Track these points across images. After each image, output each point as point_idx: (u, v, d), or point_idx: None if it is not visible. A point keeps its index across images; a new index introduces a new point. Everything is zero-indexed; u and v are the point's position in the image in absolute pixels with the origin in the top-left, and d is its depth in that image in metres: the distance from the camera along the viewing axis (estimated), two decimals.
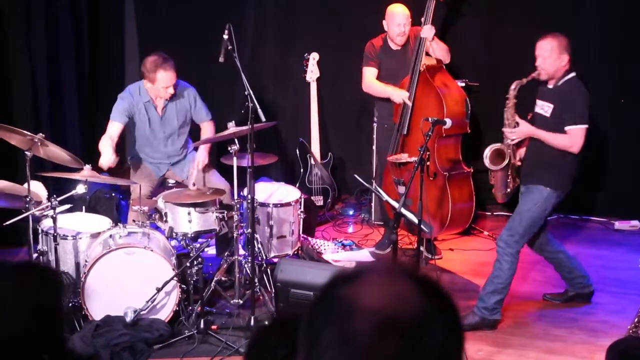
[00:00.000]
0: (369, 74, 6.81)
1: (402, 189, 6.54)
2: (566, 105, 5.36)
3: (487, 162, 5.71)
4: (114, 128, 6.22)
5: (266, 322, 5.34)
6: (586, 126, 5.35)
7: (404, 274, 1.37)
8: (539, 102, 5.53)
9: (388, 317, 1.28)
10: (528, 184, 5.52)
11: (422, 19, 6.59)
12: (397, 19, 6.65)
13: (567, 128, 5.34)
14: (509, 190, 5.76)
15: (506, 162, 5.66)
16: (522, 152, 5.73)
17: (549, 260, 5.90)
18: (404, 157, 6.57)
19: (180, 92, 6.35)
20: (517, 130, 5.53)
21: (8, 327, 2.10)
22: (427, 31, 6.54)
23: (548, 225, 5.79)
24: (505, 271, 5.46)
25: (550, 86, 5.47)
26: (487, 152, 5.70)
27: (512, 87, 5.57)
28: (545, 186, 5.42)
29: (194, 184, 5.82)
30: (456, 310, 1.37)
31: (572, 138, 5.33)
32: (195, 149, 6.51)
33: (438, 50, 6.64)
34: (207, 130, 6.50)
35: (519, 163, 5.72)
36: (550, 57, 5.38)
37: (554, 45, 5.37)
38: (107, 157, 5.96)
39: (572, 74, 5.41)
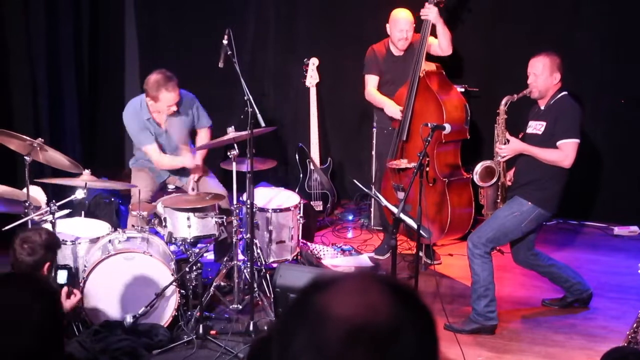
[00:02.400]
0: (371, 83, 6.83)
1: (401, 195, 6.54)
2: (558, 120, 5.36)
3: (476, 178, 5.71)
4: (154, 149, 6.25)
5: (265, 331, 5.34)
6: (578, 140, 5.34)
7: (379, 283, 1.36)
8: (531, 123, 5.54)
9: (359, 326, 1.28)
10: (513, 194, 5.54)
11: (426, 3, 6.52)
12: (400, 24, 6.66)
13: (558, 142, 5.34)
14: (499, 206, 5.73)
15: (496, 178, 5.66)
16: (512, 173, 5.72)
17: (542, 274, 5.90)
18: (403, 163, 6.58)
19: (181, 103, 6.29)
20: (508, 147, 5.53)
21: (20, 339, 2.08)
22: (429, 11, 6.49)
23: (534, 241, 5.75)
24: (480, 274, 5.48)
25: (542, 107, 5.48)
26: (478, 168, 5.70)
27: (503, 102, 5.58)
28: (527, 200, 5.43)
29: (193, 189, 5.82)
30: (431, 321, 1.36)
31: (564, 152, 5.33)
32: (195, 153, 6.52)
33: (443, 37, 6.58)
34: (204, 136, 6.49)
35: (509, 183, 5.72)
36: (542, 75, 5.39)
37: (546, 63, 5.39)
38: (186, 157, 6.24)
39: (564, 93, 5.42)
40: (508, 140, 5.54)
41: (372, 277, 1.41)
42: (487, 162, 5.68)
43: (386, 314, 1.30)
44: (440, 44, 6.62)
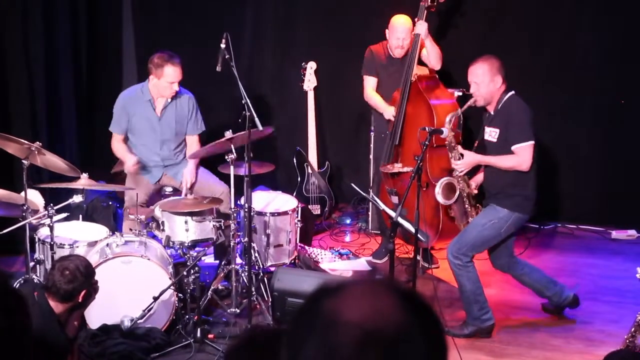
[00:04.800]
0: (370, 85, 6.84)
1: (395, 199, 6.54)
2: (508, 125, 5.34)
3: (439, 197, 5.70)
4: (118, 138, 6.40)
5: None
6: (532, 142, 5.32)
7: (388, 288, 1.37)
8: (486, 129, 5.52)
9: (370, 331, 1.28)
10: (488, 203, 5.55)
11: (416, 19, 6.59)
12: (397, 32, 6.65)
13: (513, 147, 5.33)
14: (470, 219, 5.72)
15: (457, 194, 5.67)
16: (478, 178, 5.72)
17: (517, 280, 5.85)
18: (396, 167, 6.57)
19: (180, 97, 6.36)
20: (463, 161, 5.54)
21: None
22: (420, 27, 6.54)
23: (513, 246, 5.74)
24: (466, 284, 5.48)
25: (491, 111, 5.46)
26: (438, 188, 5.69)
27: (447, 119, 5.58)
28: (502, 207, 5.42)
29: (191, 193, 5.82)
30: (439, 325, 1.37)
31: (520, 157, 5.32)
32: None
33: (432, 53, 6.63)
34: (193, 144, 6.48)
35: (475, 191, 5.73)
36: (483, 82, 5.36)
37: (486, 69, 5.35)
38: (131, 159, 6.25)
39: (510, 93, 5.39)
40: (462, 155, 5.54)
41: (380, 282, 1.41)
42: (446, 179, 5.69)
43: (396, 318, 1.31)
44: (430, 59, 6.65)
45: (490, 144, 5.47)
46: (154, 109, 6.31)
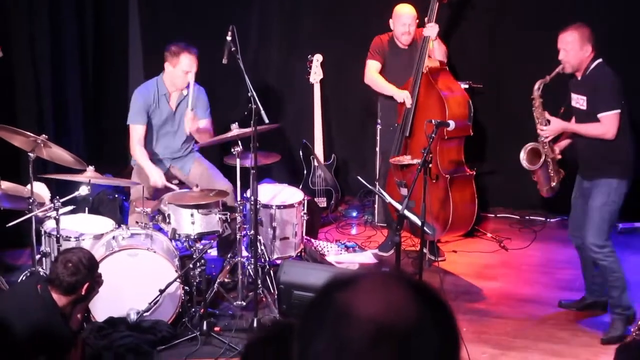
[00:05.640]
0: (373, 67, 6.79)
1: (404, 191, 6.52)
2: (596, 92, 5.31)
3: (524, 163, 5.69)
4: (139, 131, 6.26)
5: (262, 330, 5.32)
6: (618, 111, 5.28)
7: (400, 281, 1.35)
8: (573, 96, 5.48)
9: (383, 325, 1.27)
10: (593, 179, 5.44)
11: (426, 19, 6.58)
12: (403, 18, 6.65)
13: (599, 115, 5.29)
14: (553, 184, 5.71)
15: (542, 159, 5.63)
16: (562, 144, 5.70)
17: (582, 258, 5.78)
18: (406, 159, 6.56)
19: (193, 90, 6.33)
20: (549, 128, 5.53)
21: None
22: (430, 30, 6.52)
23: None
24: (615, 267, 5.38)
25: (579, 78, 5.42)
26: (523, 154, 5.68)
27: (536, 86, 5.55)
28: (612, 177, 5.35)
29: (197, 185, 5.81)
30: (452, 319, 1.35)
31: (604, 125, 5.28)
32: (199, 149, 6.52)
33: (438, 51, 6.63)
34: (206, 124, 6.45)
35: (559, 156, 5.70)
36: (573, 49, 5.31)
37: (576, 37, 5.30)
38: (157, 173, 6.14)
39: (598, 61, 5.34)
40: (549, 121, 5.52)
41: (392, 275, 1.40)
42: (530, 145, 5.67)
43: (409, 312, 1.30)
44: (435, 54, 6.63)
45: (578, 111, 5.45)
46: (168, 102, 6.30)
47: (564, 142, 5.70)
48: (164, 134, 6.38)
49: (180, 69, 6.15)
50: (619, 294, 5.43)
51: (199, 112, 6.40)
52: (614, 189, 5.35)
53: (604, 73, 5.33)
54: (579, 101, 5.42)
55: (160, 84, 6.29)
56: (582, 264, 5.82)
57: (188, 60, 6.14)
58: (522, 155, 5.69)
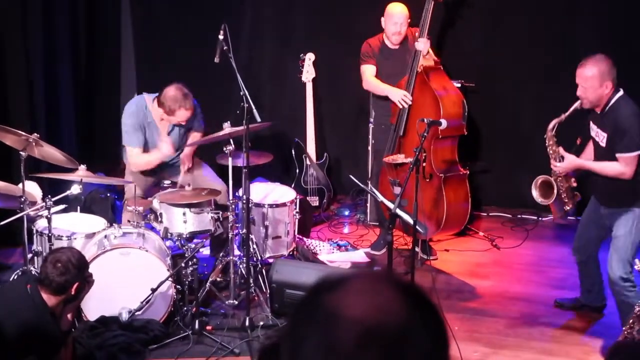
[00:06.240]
0: (369, 71, 6.79)
1: (397, 190, 6.52)
2: (616, 132, 5.04)
3: (538, 199, 5.55)
4: (135, 152, 6.24)
5: (273, 336, 5.32)
6: (638, 153, 5.01)
7: (389, 282, 1.35)
8: (592, 127, 5.25)
9: (371, 327, 1.27)
10: (612, 207, 5.25)
11: (417, 33, 6.58)
12: (394, 17, 6.65)
13: (618, 155, 5.05)
14: (567, 208, 5.59)
15: (555, 192, 5.47)
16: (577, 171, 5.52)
17: (582, 270, 5.68)
18: (400, 158, 6.56)
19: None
20: (562, 165, 5.34)
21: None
22: (422, 45, 6.52)
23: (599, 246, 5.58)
24: (635, 301, 4.89)
25: (598, 112, 5.17)
26: (535, 191, 5.54)
27: (550, 126, 5.36)
28: (633, 207, 5.13)
29: (189, 184, 5.81)
30: (441, 320, 1.35)
31: (623, 166, 5.04)
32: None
33: (429, 62, 6.65)
34: (196, 138, 6.47)
35: (575, 184, 5.53)
36: (592, 86, 5.04)
37: (595, 73, 5.02)
38: (164, 147, 6.16)
39: (619, 95, 5.08)
40: (562, 157, 5.34)
41: (381, 276, 1.39)
42: (540, 178, 5.52)
43: (398, 314, 1.29)
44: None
45: (599, 147, 5.21)
46: (158, 131, 6.28)
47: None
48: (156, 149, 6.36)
49: (176, 120, 6.16)
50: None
51: (195, 125, 6.42)
52: (637, 216, 5.13)
53: (625, 111, 5.02)
54: (598, 135, 5.18)
55: (149, 112, 6.24)
56: (581, 273, 5.72)
57: (183, 114, 6.11)
58: (535, 192, 5.54)
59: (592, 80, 5.03)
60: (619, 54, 7.38)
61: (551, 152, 5.41)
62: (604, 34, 7.41)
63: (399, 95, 6.55)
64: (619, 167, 5.06)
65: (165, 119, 6.21)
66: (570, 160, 5.33)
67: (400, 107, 6.56)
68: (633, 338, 4.48)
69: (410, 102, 6.53)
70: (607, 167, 5.14)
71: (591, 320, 5.70)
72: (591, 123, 5.25)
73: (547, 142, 5.41)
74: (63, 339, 4.41)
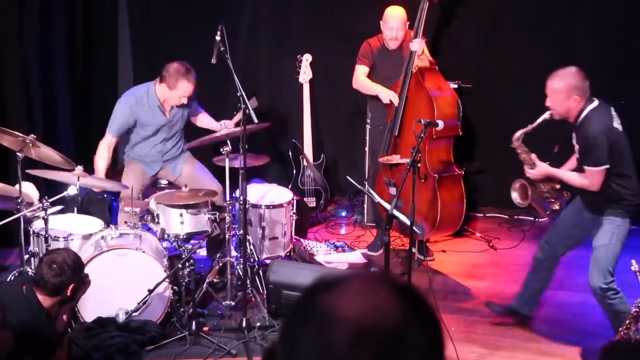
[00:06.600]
0: (360, 71, 6.81)
1: (393, 190, 6.54)
2: (585, 145, 5.05)
3: (517, 201, 5.59)
4: (109, 140, 6.27)
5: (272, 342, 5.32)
6: (604, 167, 5.00)
7: (385, 283, 1.34)
8: (573, 135, 5.24)
9: (366, 327, 1.26)
10: (596, 215, 5.22)
11: (412, 33, 6.59)
12: (390, 23, 6.64)
13: (585, 167, 5.07)
14: (557, 207, 5.59)
15: (530, 195, 5.51)
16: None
17: (536, 261, 5.66)
18: (395, 159, 6.57)
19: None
20: (534, 172, 5.36)
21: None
22: (416, 45, 6.52)
23: (569, 250, 5.59)
24: (623, 307, 5.05)
25: (572, 122, 5.16)
26: (514, 194, 5.58)
27: (515, 137, 5.37)
28: (616, 216, 5.13)
29: (185, 185, 5.80)
30: (437, 321, 1.35)
31: (590, 179, 5.05)
32: (189, 149, 6.52)
33: (424, 62, 6.66)
34: (205, 117, 6.58)
35: (558, 186, 5.53)
36: (559, 100, 5.06)
37: (561, 87, 5.02)
38: (101, 173, 6.13)
39: (591, 106, 5.04)
40: (534, 164, 5.35)
41: (377, 276, 1.39)
42: (518, 182, 5.55)
43: (394, 315, 1.29)
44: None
45: (578, 155, 5.24)
46: (163, 113, 6.29)
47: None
48: (158, 140, 6.37)
49: (178, 94, 6.15)
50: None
51: (190, 112, 6.46)
52: (617, 226, 5.12)
53: (594, 125, 5.00)
54: (577, 145, 5.20)
55: (152, 95, 6.24)
56: (533, 274, 5.66)
57: (186, 87, 6.11)
58: (514, 194, 5.57)
59: (559, 93, 5.03)
60: (619, 54, 7.45)
61: (522, 159, 5.41)
62: (604, 34, 7.43)
63: (388, 96, 6.58)
64: (585, 179, 5.09)
65: (166, 98, 6.22)
66: (541, 169, 5.35)
67: (387, 101, 6.58)
68: (629, 339, 4.48)
69: (396, 104, 6.55)
70: (574, 178, 5.19)
71: (587, 322, 5.70)
72: (573, 132, 5.25)
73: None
74: (59, 339, 4.41)
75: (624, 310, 5.05)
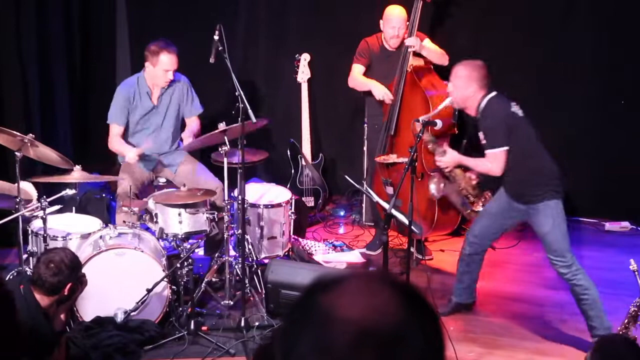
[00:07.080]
0: (356, 70, 6.84)
1: (390, 190, 6.54)
2: (485, 130, 5.29)
3: (433, 193, 5.94)
4: (116, 130, 6.36)
5: (266, 338, 5.33)
6: (504, 149, 5.21)
7: (385, 283, 1.34)
8: (480, 133, 5.45)
9: (366, 328, 1.26)
10: (530, 204, 5.31)
11: (405, 34, 6.60)
12: (392, 21, 6.65)
13: (485, 152, 5.29)
14: (478, 208, 5.74)
15: (442, 185, 5.84)
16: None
17: (467, 257, 5.71)
18: (392, 158, 6.58)
19: (175, 84, 6.43)
20: (444, 159, 5.63)
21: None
22: (412, 40, 6.53)
23: (499, 237, 5.74)
24: (588, 284, 5.22)
25: (473, 115, 5.42)
26: (432, 185, 5.94)
27: (417, 126, 5.55)
28: (548, 200, 5.24)
29: (184, 185, 5.80)
30: (438, 321, 1.34)
31: (491, 162, 5.26)
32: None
33: (433, 55, 6.65)
34: (192, 123, 6.54)
35: (474, 180, 5.74)
36: (457, 85, 5.34)
37: (463, 75, 5.31)
38: (132, 151, 6.22)
39: (488, 98, 5.28)
40: (445, 152, 5.65)
41: (376, 276, 1.38)
42: (435, 175, 5.90)
43: (394, 315, 1.28)
44: (434, 62, 6.67)
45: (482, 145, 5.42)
46: (151, 98, 6.34)
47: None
48: (150, 129, 6.39)
49: (161, 68, 6.23)
50: (596, 314, 5.25)
51: (186, 109, 6.46)
52: (553, 207, 5.24)
53: (492, 110, 5.25)
54: (481, 137, 5.37)
55: (142, 81, 6.36)
56: (464, 268, 5.73)
57: (168, 59, 6.21)
58: (431, 186, 5.91)
59: (459, 80, 5.33)
60: (619, 54, 7.45)
61: (431, 149, 5.74)
62: (604, 34, 7.43)
63: (381, 91, 6.60)
64: (487, 163, 5.31)
65: (153, 81, 6.33)
66: (452, 155, 5.63)
67: (380, 98, 6.59)
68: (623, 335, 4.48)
69: (389, 101, 6.57)
70: (479, 164, 5.44)
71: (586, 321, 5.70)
72: (477, 125, 5.44)
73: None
74: (56, 339, 4.41)
75: (588, 287, 5.23)
